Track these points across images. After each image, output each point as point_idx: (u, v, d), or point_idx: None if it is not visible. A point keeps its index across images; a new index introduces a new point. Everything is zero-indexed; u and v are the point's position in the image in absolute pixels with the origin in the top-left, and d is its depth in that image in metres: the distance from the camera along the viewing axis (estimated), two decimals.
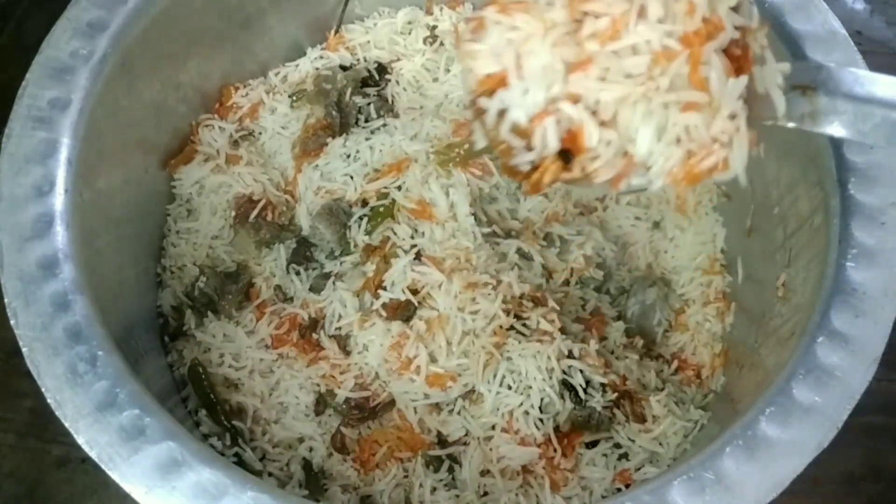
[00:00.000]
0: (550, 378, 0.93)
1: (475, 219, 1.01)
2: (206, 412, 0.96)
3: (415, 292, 0.97)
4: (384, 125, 1.10)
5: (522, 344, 0.94)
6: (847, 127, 0.71)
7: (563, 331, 0.97)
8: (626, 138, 0.68)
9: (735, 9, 0.69)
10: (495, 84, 0.70)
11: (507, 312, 0.95)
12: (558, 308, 0.99)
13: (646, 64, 0.66)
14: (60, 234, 0.79)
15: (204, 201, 1.08)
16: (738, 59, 0.71)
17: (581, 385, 0.93)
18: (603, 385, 0.95)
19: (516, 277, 0.99)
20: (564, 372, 0.94)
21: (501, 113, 0.70)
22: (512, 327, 0.96)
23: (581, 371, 0.94)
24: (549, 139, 0.69)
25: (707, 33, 0.67)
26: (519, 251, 1.03)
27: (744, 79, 0.68)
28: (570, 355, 0.95)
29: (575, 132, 0.69)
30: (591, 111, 0.68)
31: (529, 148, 0.70)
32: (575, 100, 0.68)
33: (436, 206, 1.01)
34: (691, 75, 0.67)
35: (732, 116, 0.68)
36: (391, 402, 0.96)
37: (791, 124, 0.72)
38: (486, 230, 1.02)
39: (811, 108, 0.72)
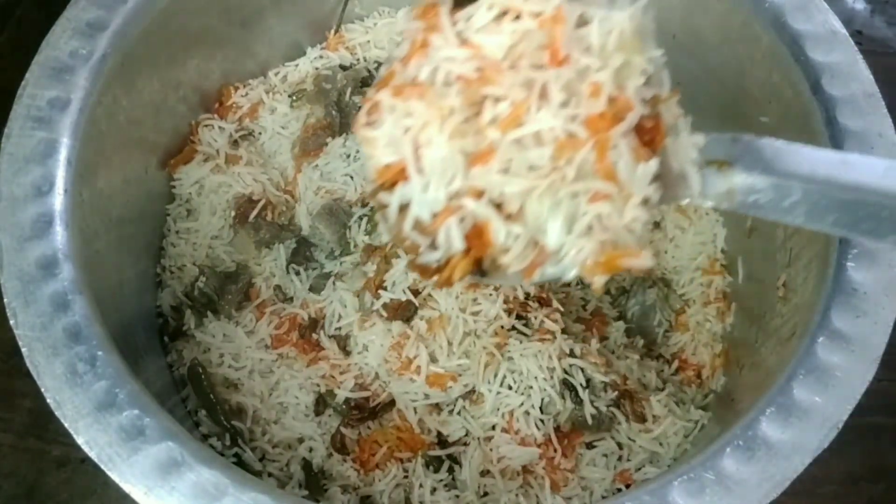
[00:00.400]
0: (552, 377, 0.93)
1: None
2: (206, 412, 0.96)
3: (416, 293, 0.97)
4: None
5: (524, 344, 0.94)
6: (766, 204, 0.67)
7: (564, 331, 0.97)
8: (536, 229, 0.66)
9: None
10: (395, 174, 0.67)
11: (509, 312, 0.95)
12: (562, 309, 0.99)
13: (549, 156, 0.63)
14: (60, 234, 0.79)
15: (203, 201, 1.08)
16: (650, 132, 0.68)
17: (582, 384, 0.93)
18: (604, 384, 0.94)
19: None
20: (566, 371, 0.93)
21: (404, 207, 0.67)
22: (513, 327, 0.96)
23: (582, 369, 0.94)
24: (453, 239, 0.66)
25: (614, 115, 0.64)
26: None
27: (654, 163, 0.65)
28: (572, 354, 0.95)
29: (481, 227, 0.66)
30: (497, 203, 0.65)
31: (435, 245, 0.67)
32: (478, 194, 0.65)
33: None
34: (598, 164, 0.64)
35: (645, 202, 0.66)
36: (391, 403, 0.96)
37: (708, 203, 0.70)
38: None
39: (728, 186, 0.69)
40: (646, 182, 0.65)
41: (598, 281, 0.66)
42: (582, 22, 0.66)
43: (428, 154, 0.65)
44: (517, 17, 0.65)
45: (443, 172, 0.64)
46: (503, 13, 0.66)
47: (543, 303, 0.99)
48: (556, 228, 0.65)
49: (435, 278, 0.69)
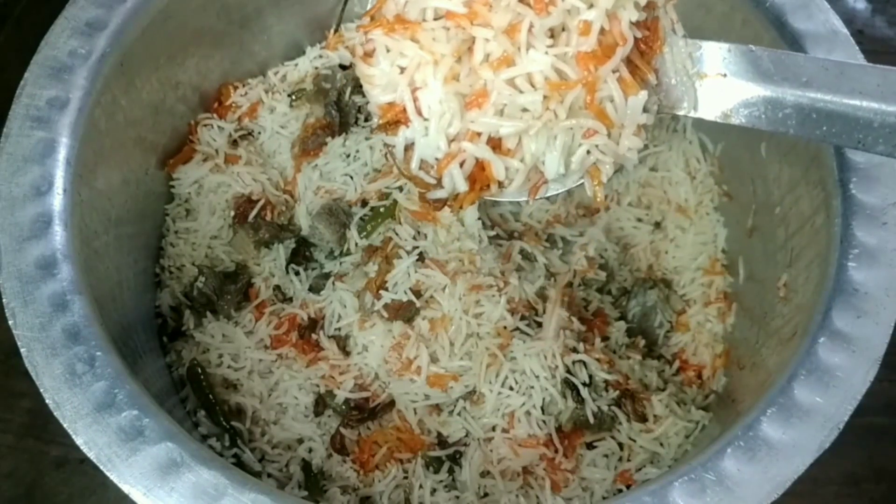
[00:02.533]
0: (554, 376, 0.92)
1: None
2: (205, 413, 0.96)
3: (417, 294, 0.96)
4: None
5: (527, 343, 0.94)
6: (758, 117, 0.69)
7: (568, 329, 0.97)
8: (535, 161, 0.69)
9: None
10: (397, 113, 0.71)
11: (512, 313, 0.95)
12: (588, 313, 1.00)
13: (540, 101, 0.66)
14: (59, 234, 0.79)
15: (203, 201, 1.07)
16: (646, 40, 0.71)
17: (585, 382, 0.93)
18: (606, 383, 0.94)
19: (525, 280, 0.99)
20: (568, 370, 0.93)
21: (409, 146, 0.72)
22: (517, 328, 0.95)
23: (585, 365, 0.94)
24: (457, 183, 0.70)
25: (604, 51, 0.67)
26: (522, 252, 1.03)
27: (643, 94, 0.68)
28: (575, 351, 0.95)
29: (483, 163, 0.70)
30: (496, 139, 0.69)
31: (442, 184, 0.72)
32: (477, 134, 0.69)
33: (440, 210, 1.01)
34: (588, 105, 0.67)
35: (640, 128, 0.69)
36: (391, 403, 0.96)
37: (703, 116, 0.72)
38: (491, 233, 1.02)
39: (722, 98, 0.70)
40: (637, 113, 0.68)
41: (599, 193, 0.72)
42: None
43: (425, 98, 0.68)
44: None
45: (441, 116, 0.68)
46: None
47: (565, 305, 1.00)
48: (554, 161, 0.69)
49: (447, 207, 0.76)
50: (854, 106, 0.64)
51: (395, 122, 0.71)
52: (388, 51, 0.70)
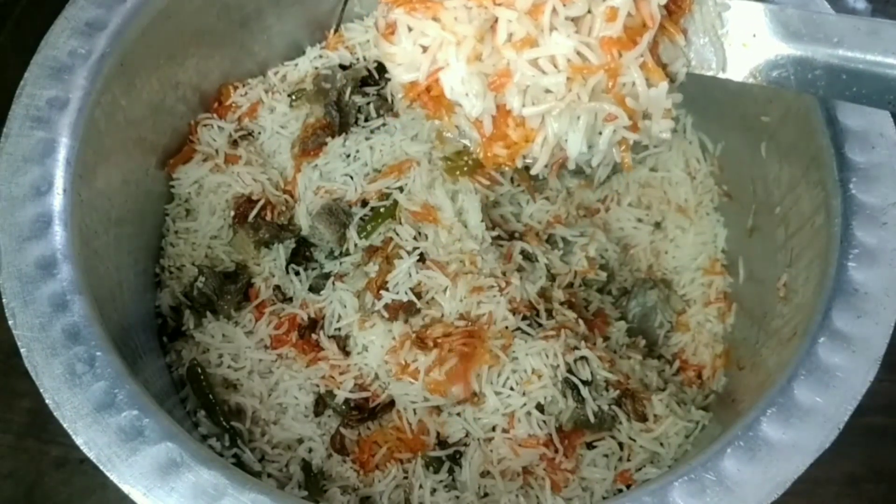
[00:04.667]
0: (555, 375, 0.92)
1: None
2: (205, 413, 0.96)
3: (418, 295, 0.96)
4: (384, 125, 1.10)
5: (529, 343, 0.94)
6: (787, 78, 0.68)
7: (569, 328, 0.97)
8: (558, 139, 0.69)
9: None
10: (419, 93, 0.71)
11: (514, 313, 0.95)
12: (591, 317, 1.00)
13: (563, 83, 0.66)
14: (59, 234, 0.79)
15: (203, 201, 1.07)
16: (674, 1, 0.70)
17: (587, 379, 0.93)
18: (606, 382, 0.94)
19: (526, 280, 0.99)
20: (570, 369, 0.93)
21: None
22: (518, 328, 0.95)
23: (587, 361, 0.94)
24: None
25: (629, 34, 0.66)
26: (523, 252, 1.03)
27: (664, 86, 0.68)
28: (577, 349, 0.95)
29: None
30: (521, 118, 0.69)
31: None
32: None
33: (441, 211, 1.01)
34: (610, 91, 0.67)
35: (669, 110, 0.69)
36: (391, 403, 0.96)
37: (732, 77, 0.71)
38: (492, 234, 1.02)
39: (750, 57, 0.70)
40: (661, 100, 0.68)
41: (626, 157, 0.71)
42: None
43: (447, 77, 0.68)
44: None
45: (464, 97, 0.68)
46: None
47: (571, 306, 1.01)
48: (577, 140, 0.68)
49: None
50: (886, 65, 0.63)
51: (417, 97, 0.72)
52: (409, 30, 0.69)
